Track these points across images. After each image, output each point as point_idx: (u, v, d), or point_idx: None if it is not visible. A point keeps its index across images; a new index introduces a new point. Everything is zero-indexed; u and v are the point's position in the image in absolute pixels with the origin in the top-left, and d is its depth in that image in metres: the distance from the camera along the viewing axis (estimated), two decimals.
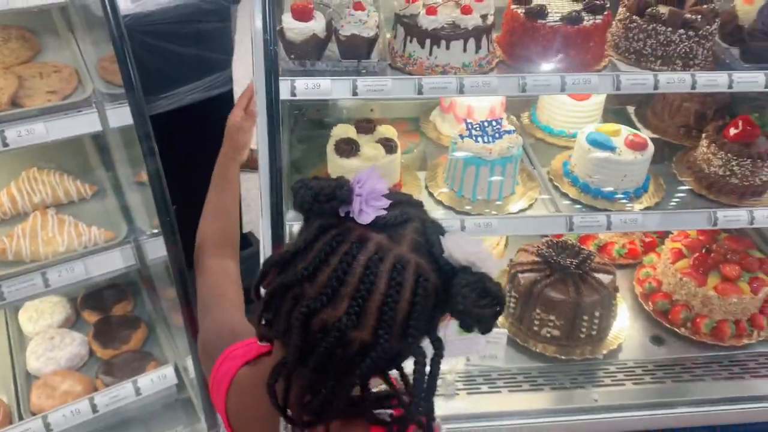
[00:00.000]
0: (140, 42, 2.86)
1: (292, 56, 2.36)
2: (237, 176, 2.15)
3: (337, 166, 2.52)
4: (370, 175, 1.21)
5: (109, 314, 3.00)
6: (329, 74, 2.37)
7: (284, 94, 2.29)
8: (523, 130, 3.12)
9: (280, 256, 1.26)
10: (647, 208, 2.61)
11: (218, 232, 1.98)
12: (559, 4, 2.54)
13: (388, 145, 2.52)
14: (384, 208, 1.20)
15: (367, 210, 1.18)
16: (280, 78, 2.27)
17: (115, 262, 2.46)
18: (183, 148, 2.77)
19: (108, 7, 2.09)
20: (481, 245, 1.21)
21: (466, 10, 2.37)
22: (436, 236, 1.23)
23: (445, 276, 1.20)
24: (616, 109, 3.24)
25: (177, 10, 2.82)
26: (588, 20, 2.43)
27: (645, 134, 3.06)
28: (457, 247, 1.19)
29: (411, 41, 2.42)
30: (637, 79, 2.42)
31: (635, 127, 3.06)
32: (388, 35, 2.57)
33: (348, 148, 2.48)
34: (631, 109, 3.27)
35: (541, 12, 2.42)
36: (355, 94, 2.33)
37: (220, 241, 1.95)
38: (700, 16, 2.46)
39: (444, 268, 1.20)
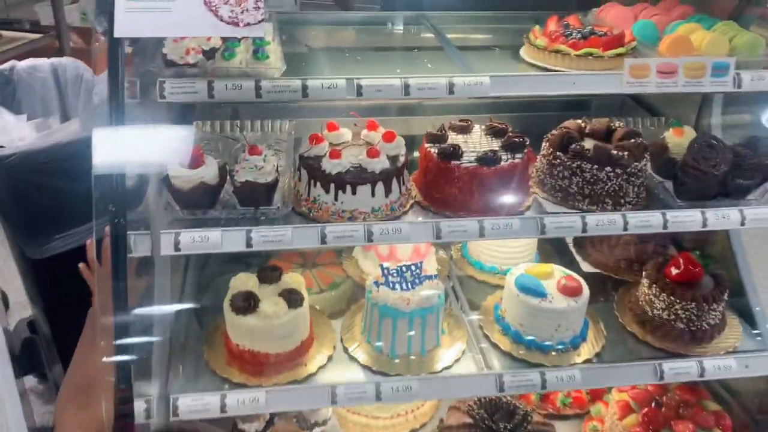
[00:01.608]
0: (29, 182, 2.62)
1: (181, 205, 2.13)
2: None
3: (233, 324, 2.24)
4: None
5: None
6: (222, 223, 2.13)
7: (166, 249, 2.04)
8: (453, 264, 2.89)
9: None
10: (586, 361, 2.35)
11: None
12: (477, 141, 2.37)
13: (292, 299, 2.25)
14: None
15: None
16: (162, 232, 2.04)
17: None
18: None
19: None
20: None
21: (373, 153, 2.18)
22: None
23: None
24: (553, 240, 3.04)
25: (67, 147, 2.60)
26: (506, 160, 2.25)
27: (585, 267, 2.85)
28: None
29: (315, 185, 2.20)
30: (562, 222, 2.22)
31: (573, 260, 2.85)
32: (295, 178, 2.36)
33: (245, 305, 2.20)
34: (570, 239, 3.07)
35: (455, 152, 2.24)
36: (249, 245, 2.08)
37: None
38: (627, 153, 2.29)
39: None
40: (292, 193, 2.29)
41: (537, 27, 2.41)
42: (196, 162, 2.10)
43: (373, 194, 2.18)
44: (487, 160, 2.21)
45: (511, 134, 2.36)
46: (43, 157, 2.58)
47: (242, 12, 1.58)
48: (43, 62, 3.37)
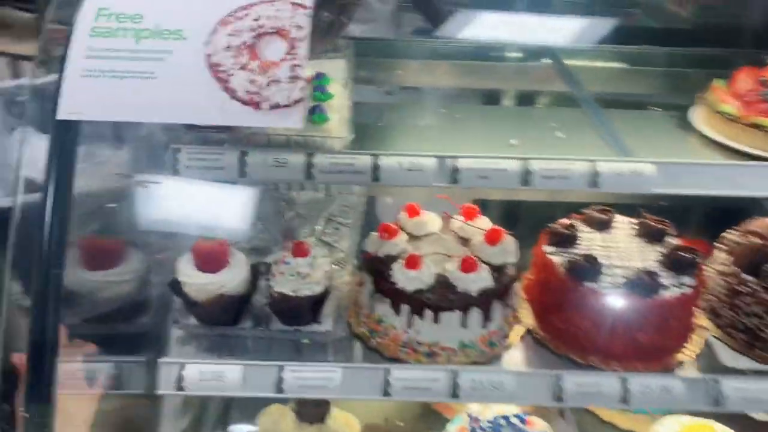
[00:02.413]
0: None
1: (193, 318, 1.52)
2: None
3: None
4: None
5: None
6: (249, 346, 1.51)
7: (166, 386, 1.44)
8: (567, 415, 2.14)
9: None
10: None
11: None
12: (622, 247, 1.63)
13: None
14: None
15: None
16: (159, 361, 1.44)
17: None
18: None
19: None
20: None
21: (468, 266, 1.48)
22: None
23: None
24: None
25: None
26: (669, 286, 1.50)
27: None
28: None
29: (382, 300, 1.54)
30: (755, 391, 1.45)
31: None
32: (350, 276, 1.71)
33: None
34: None
35: (591, 270, 1.51)
36: (279, 390, 1.45)
37: None
38: None
39: None
40: (351, 300, 1.64)
41: (719, 82, 1.64)
42: (215, 262, 1.48)
43: (464, 324, 1.49)
44: (640, 286, 1.47)
45: (674, 242, 1.61)
46: None
47: (269, 84, 0.93)
48: None
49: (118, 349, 1.47)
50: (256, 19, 0.95)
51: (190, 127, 1.38)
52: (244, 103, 0.92)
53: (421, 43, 2.29)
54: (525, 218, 2.15)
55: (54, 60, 1.04)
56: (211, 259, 1.46)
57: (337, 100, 1.53)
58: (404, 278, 1.48)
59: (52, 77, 1.03)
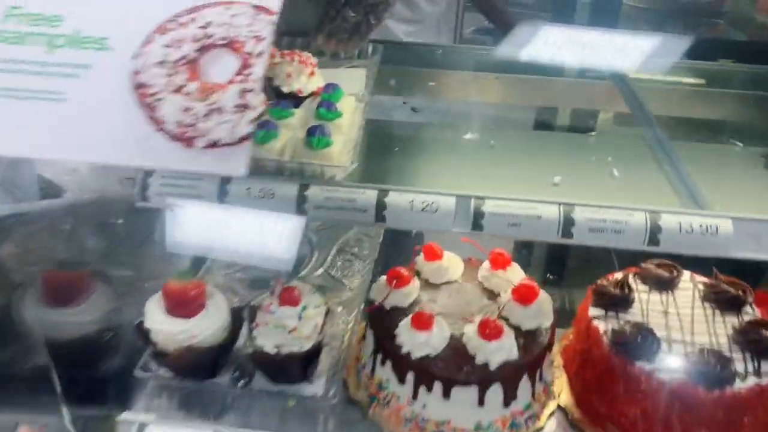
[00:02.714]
0: None
1: (162, 370, 1.30)
2: None
3: None
4: None
5: None
6: (228, 402, 1.28)
7: None
8: None
9: None
10: None
11: None
12: (686, 316, 1.31)
13: None
14: None
15: None
16: (120, 418, 1.23)
17: None
18: None
19: None
20: None
21: (492, 333, 1.20)
22: None
23: None
24: None
25: None
26: (744, 375, 1.18)
27: None
28: None
29: (383, 363, 1.28)
30: None
31: None
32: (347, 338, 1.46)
33: None
34: None
35: (645, 344, 1.20)
36: None
37: None
38: None
39: None
40: (352, 355, 1.39)
41: None
42: (188, 306, 1.25)
43: (481, 402, 1.21)
44: (707, 373, 1.16)
45: (753, 313, 1.29)
46: None
47: (208, 114, 0.68)
48: None
49: (74, 399, 1.27)
50: (203, 27, 0.71)
51: None
52: (174, 137, 0.68)
53: (464, 50, 2.00)
54: (572, 260, 1.85)
55: None
56: (182, 303, 1.23)
57: (347, 119, 1.28)
58: (411, 341, 1.22)
59: None
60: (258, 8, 0.73)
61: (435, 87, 1.72)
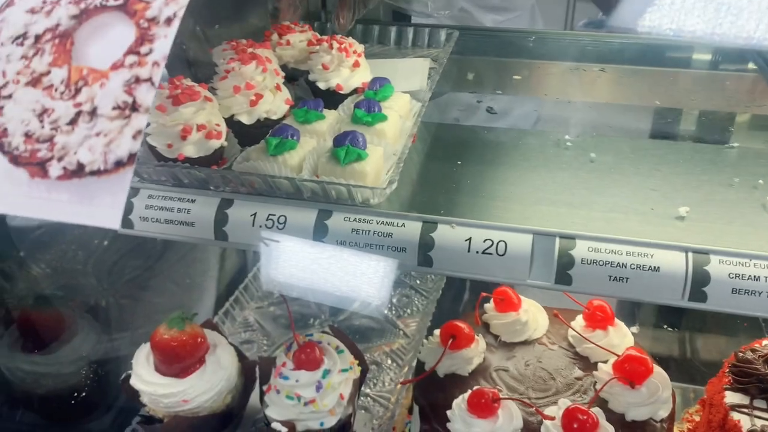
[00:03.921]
0: None
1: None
2: None
3: None
4: None
5: None
6: None
7: None
8: None
9: None
10: None
11: None
12: None
13: None
14: None
15: None
16: None
17: None
18: None
19: None
20: None
21: (581, 427, 0.85)
22: None
23: None
24: None
25: None
26: None
27: None
28: None
29: None
30: None
31: None
32: None
33: None
34: None
35: None
36: None
37: None
38: None
39: None
40: (399, 423, 1.07)
41: None
42: (179, 364, 0.97)
43: None
44: None
45: None
46: None
47: (74, 122, 0.39)
48: None
49: None
50: None
51: (159, 157, 0.90)
52: (17, 161, 0.39)
53: (560, 37, 1.62)
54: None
55: None
56: (172, 357, 0.96)
57: (393, 124, 0.97)
58: (465, 428, 0.89)
59: None
60: None
61: (521, 82, 1.36)
